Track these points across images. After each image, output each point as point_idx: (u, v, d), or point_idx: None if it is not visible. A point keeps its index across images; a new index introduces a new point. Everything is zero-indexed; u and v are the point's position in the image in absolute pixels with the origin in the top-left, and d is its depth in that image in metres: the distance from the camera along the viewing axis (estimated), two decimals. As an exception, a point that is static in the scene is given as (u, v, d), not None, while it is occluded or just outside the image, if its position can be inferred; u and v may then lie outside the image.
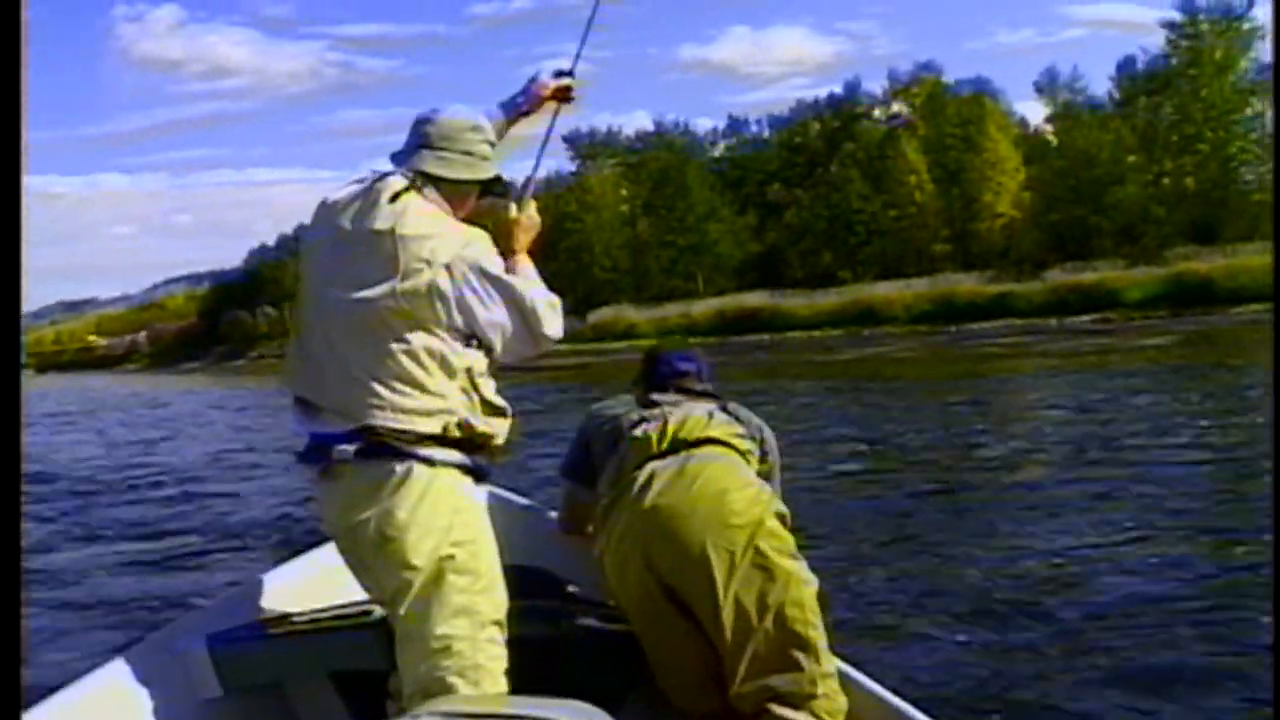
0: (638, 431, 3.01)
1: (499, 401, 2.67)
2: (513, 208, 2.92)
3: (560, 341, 2.76)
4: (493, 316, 2.55)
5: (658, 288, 56.95)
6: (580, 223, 58.77)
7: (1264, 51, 46.71)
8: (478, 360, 2.60)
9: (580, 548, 3.37)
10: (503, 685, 2.57)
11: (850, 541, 7.15)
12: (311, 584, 3.30)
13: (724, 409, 3.13)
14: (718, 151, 66.37)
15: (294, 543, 9.28)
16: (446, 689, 2.46)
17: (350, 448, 2.49)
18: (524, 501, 3.95)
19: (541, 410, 17.67)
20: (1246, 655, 4.85)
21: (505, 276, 2.58)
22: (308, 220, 2.74)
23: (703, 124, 75.31)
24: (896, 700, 2.62)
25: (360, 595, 2.85)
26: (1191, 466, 9.52)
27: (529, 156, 3.19)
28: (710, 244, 57.56)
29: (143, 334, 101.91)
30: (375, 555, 2.57)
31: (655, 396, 3.16)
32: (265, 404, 27.54)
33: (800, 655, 2.66)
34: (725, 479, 2.83)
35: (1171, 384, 17.35)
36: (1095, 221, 47.36)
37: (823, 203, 56.34)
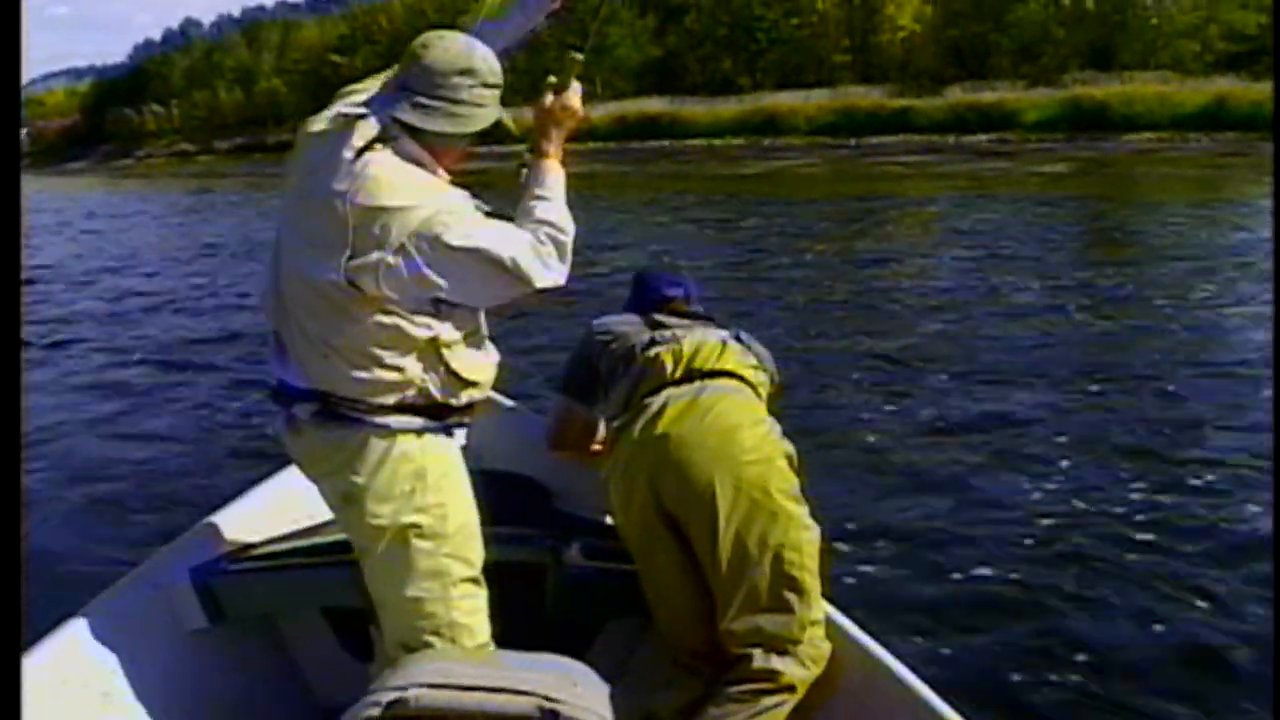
0: (651, 353, 2.95)
1: (471, 374, 2.43)
2: (548, 97, 2.55)
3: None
4: (461, 284, 2.29)
5: (555, 90, 55.42)
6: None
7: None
8: (446, 329, 2.36)
9: (568, 460, 3.39)
10: (483, 637, 2.51)
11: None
12: (284, 507, 3.26)
13: (738, 338, 3.07)
14: (619, -51, 64.04)
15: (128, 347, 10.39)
16: (425, 646, 2.42)
17: (308, 409, 2.39)
18: (512, 404, 3.87)
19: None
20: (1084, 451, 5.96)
21: (475, 241, 2.26)
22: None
23: (603, -81, 72.31)
24: (878, 648, 2.66)
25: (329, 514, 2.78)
26: (1065, 312, 10.18)
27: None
28: (610, 46, 56.25)
29: (24, 131, 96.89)
30: (340, 513, 2.52)
31: (661, 318, 3.08)
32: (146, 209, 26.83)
33: (793, 598, 2.66)
34: (738, 414, 2.80)
35: (1065, 216, 18.01)
36: (995, 39, 47.42)
37: (723, 8, 55.22)
